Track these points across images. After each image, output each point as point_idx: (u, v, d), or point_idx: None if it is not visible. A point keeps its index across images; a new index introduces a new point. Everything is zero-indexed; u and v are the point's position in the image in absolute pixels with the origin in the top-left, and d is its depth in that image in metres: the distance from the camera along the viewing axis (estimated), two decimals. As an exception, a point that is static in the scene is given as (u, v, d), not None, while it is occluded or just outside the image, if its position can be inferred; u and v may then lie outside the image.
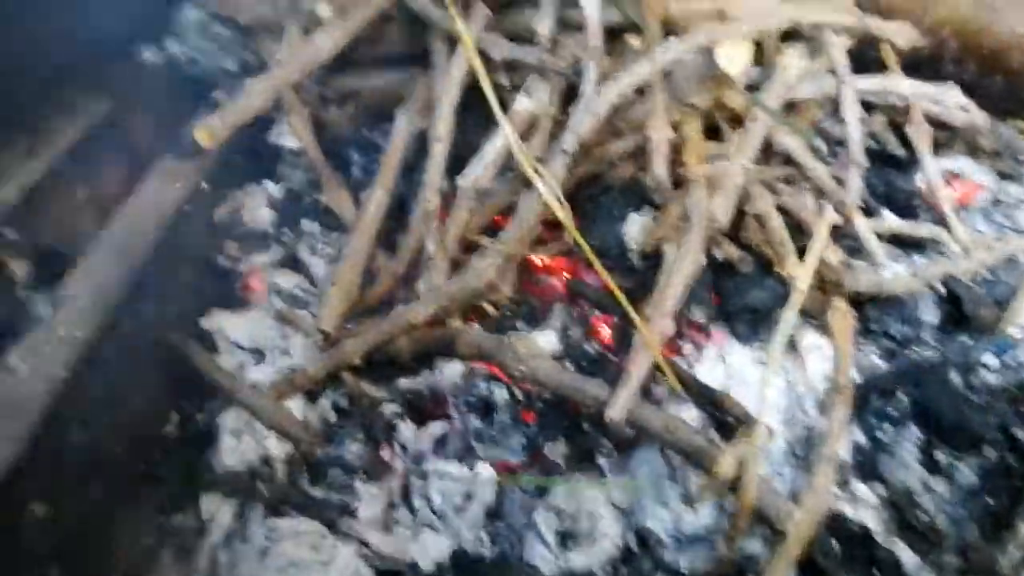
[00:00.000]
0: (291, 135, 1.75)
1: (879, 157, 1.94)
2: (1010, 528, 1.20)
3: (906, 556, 1.23)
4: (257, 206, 1.74)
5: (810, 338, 1.51)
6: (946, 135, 2.00)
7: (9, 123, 1.31)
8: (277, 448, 1.42)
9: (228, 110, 1.34)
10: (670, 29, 1.65)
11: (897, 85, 1.73)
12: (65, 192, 1.36)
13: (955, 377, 1.35)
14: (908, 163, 1.89)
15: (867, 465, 1.35)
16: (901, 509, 1.29)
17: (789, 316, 1.25)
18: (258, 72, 1.59)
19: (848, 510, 1.30)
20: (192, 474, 1.44)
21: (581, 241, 1.45)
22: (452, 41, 1.65)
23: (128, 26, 1.64)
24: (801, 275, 1.29)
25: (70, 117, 1.41)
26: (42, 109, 1.38)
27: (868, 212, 1.76)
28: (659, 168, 1.48)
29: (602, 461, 1.40)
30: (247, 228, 1.71)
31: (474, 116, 1.63)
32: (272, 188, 1.78)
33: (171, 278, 1.43)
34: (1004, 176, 1.96)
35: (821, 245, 1.36)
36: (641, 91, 1.55)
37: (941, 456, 1.30)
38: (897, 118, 1.92)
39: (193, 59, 1.75)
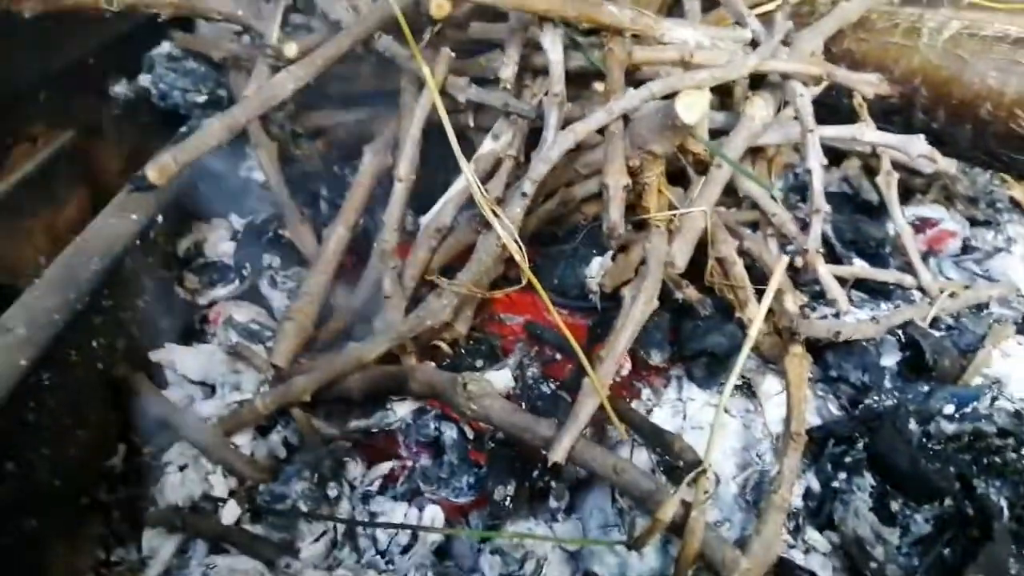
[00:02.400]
0: (258, 168, 1.76)
1: (852, 202, 1.95)
2: (960, 581, 1.17)
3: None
4: (220, 239, 1.74)
5: (769, 383, 1.49)
6: (923, 181, 2.01)
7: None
8: (221, 484, 1.40)
9: (182, 148, 1.35)
10: (634, 75, 1.66)
11: (863, 134, 1.73)
12: (16, 223, 1.35)
13: (913, 426, 1.33)
14: (881, 209, 1.89)
15: (820, 512, 1.32)
16: (852, 558, 1.26)
17: (740, 359, 1.23)
18: (228, 107, 1.60)
19: (799, 557, 1.27)
20: (136, 508, 1.41)
21: (535, 283, 1.44)
22: (421, 81, 1.66)
23: (98, 59, 1.64)
24: (753, 319, 1.27)
25: (30, 147, 1.41)
26: (3, 140, 1.38)
27: (836, 258, 1.76)
28: (614, 214, 1.47)
29: (552, 504, 1.37)
30: (208, 260, 1.71)
31: (442, 154, 1.64)
32: (236, 221, 1.78)
33: (121, 310, 1.42)
34: (978, 223, 1.96)
35: (775, 288, 1.35)
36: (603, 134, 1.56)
37: (895, 505, 1.27)
38: (871, 163, 1.92)
39: (164, 93, 1.76)
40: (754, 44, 1.74)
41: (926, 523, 1.26)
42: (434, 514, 1.37)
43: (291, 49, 1.63)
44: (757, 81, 1.74)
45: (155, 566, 1.34)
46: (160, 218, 1.49)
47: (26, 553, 1.22)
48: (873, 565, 1.25)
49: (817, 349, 1.49)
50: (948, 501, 1.26)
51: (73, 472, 1.32)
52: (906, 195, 1.94)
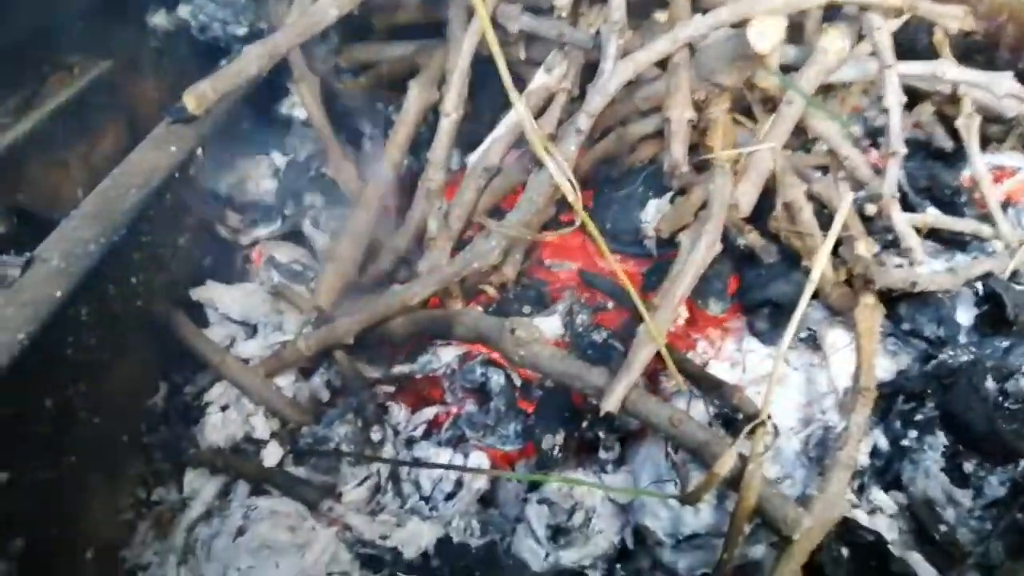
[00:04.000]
0: (301, 105, 1.70)
1: (924, 149, 1.83)
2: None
3: (923, 570, 1.12)
4: (262, 177, 1.69)
5: (836, 336, 1.41)
6: (999, 129, 1.88)
7: (1, 81, 1.27)
8: (263, 425, 1.37)
9: (220, 75, 1.29)
10: (699, 3, 1.56)
11: (946, 71, 1.61)
12: (52, 153, 1.31)
13: (990, 383, 1.24)
14: (955, 156, 1.77)
15: (887, 472, 1.25)
16: (921, 520, 1.19)
17: (802, 303, 1.15)
18: (270, 37, 1.54)
19: (863, 518, 1.20)
20: (178, 448, 1.39)
21: (591, 225, 1.36)
22: (470, 11, 1.57)
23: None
24: (816, 261, 1.18)
25: (66, 77, 1.37)
26: (37, 68, 1.33)
27: (909, 206, 1.65)
28: (676, 151, 1.39)
29: (602, 455, 1.32)
30: (250, 198, 1.66)
31: (491, 90, 1.56)
32: (279, 159, 1.73)
33: (160, 245, 1.38)
34: (1059, 174, 1.83)
35: (839, 227, 1.25)
36: (666, 69, 1.46)
37: (968, 466, 1.19)
38: (946, 109, 1.80)
39: (204, 25, 1.70)
40: (829, -28, 1.61)
41: (1001, 485, 1.19)
42: (479, 461, 1.32)
43: (335, -25, 1.55)
44: (831, 13, 1.63)
45: (196, 507, 1.32)
46: (200, 152, 1.44)
47: (66, 490, 1.20)
48: (943, 528, 1.18)
49: (889, 301, 1.40)
50: (1024, 464, 1.18)
51: (113, 410, 1.29)
52: (983, 143, 1.81)
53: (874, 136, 1.74)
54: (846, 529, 1.16)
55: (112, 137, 1.44)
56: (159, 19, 1.67)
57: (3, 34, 1.25)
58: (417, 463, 1.31)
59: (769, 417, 1.11)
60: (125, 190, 1.27)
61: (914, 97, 1.84)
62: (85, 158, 1.38)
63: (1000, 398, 1.24)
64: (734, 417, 1.25)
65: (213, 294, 1.49)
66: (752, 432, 1.11)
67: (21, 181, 1.27)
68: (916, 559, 1.15)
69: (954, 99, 1.72)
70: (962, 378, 1.27)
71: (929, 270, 1.42)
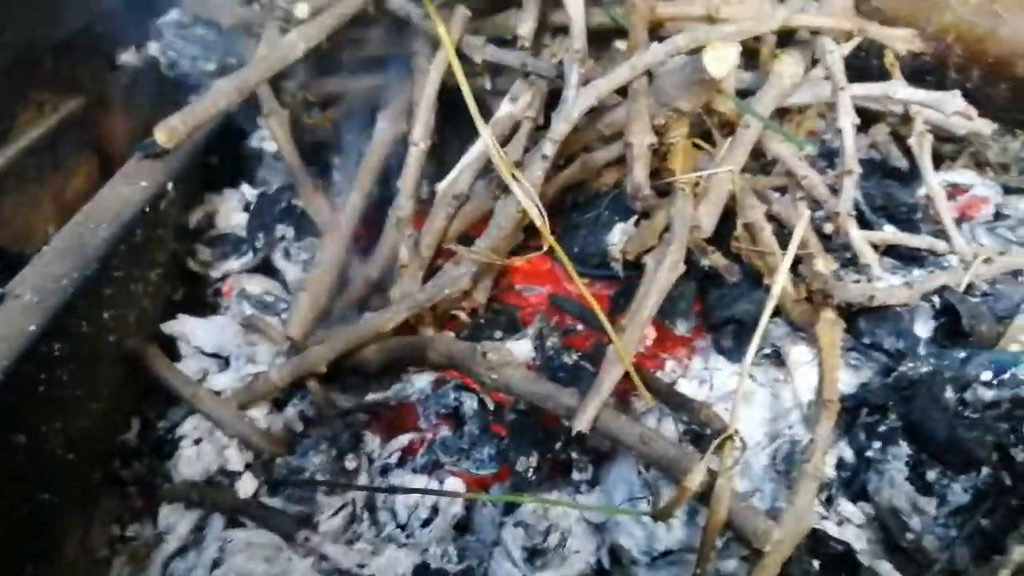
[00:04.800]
0: (271, 138, 1.72)
1: (880, 168, 1.89)
2: (1003, 551, 1.12)
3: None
4: (232, 210, 1.70)
5: (799, 351, 1.44)
6: (953, 148, 1.95)
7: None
8: (237, 458, 1.37)
9: (190, 110, 1.31)
10: (658, 32, 1.61)
11: (896, 91, 1.67)
12: (23, 191, 1.32)
13: (949, 393, 1.28)
14: (910, 175, 1.83)
15: (854, 483, 1.27)
16: (888, 529, 1.22)
17: (764, 317, 1.18)
18: (239, 73, 1.56)
19: (832, 529, 1.22)
20: (152, 483, 1.39)
21: (558, 249, 1.39)
22: (435, 43, 1.61)
23: (107, 27, 1.60)
24: (777, 278, 1.22)
25: (36, 115, 1.38)
26: (7, 106, 1.34)
27: (866, 224, 1.70)
28: (638, 175, 1.42)
29: (576, 476, 1.33)
30: (220, 232, 1.67)
31: (458, 120, 1.59)
32: (249, 192, 1.74)
33: (132, 280, 1.38)
34: (1011, 190, 1.89)
35: (797, 245, 1.29)
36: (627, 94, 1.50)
37: (932, 475, 1.22)
38: (900, 130, 1.86)
39: (173, 61, 1.72)
40: (782, -1, 1.68)
41: (964, 492, 1.21)
42: (454, 486, 1.33)
43: (302, 10, 1.59)
44: (785, 39, 1.69)
45: (171, 541, 1.32)
46: (170, 187, 1.45)
47: (39, 528, 1.20)
48: (910, 536, 1.20)
49: (849, 316, 1.44)
50: (986, 470, 1.21)
51: (86, 446, 1.29)
52: (936, 161, 1.87)
53: (830, 158, 1.79)
54: (816, 540, 1.19)
55: (83, 173, 1.45)
56: (128, 56, 1.69)
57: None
58: (392, 489, 1.31)
59: (736, 432, 1.13)
60: (96, 225, 1.28)
61: (869, 119, 1.90)
62: (56, 194, 1.39)
63: (960, 407, 1.28)
64: (703, 434, 1.27)
65: (185, 327, 1.50)
66: (720, 447, 1.13)
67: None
68: (885, 568, 1.18)
69: (907, 120, 1.78)
70: (922, 389, 1.30)
71: (886, 285, 1.47)
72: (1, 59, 1.33)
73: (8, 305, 1.13)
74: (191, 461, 1.37)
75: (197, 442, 1.39)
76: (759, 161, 1.66)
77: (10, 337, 1.09)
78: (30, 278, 1.18)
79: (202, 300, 1.61)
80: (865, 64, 1.83)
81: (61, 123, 1.44)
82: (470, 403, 1.37)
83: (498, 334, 1.51)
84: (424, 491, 1.32)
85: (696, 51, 1.41)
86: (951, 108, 1.64)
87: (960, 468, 1.22)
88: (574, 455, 1.34)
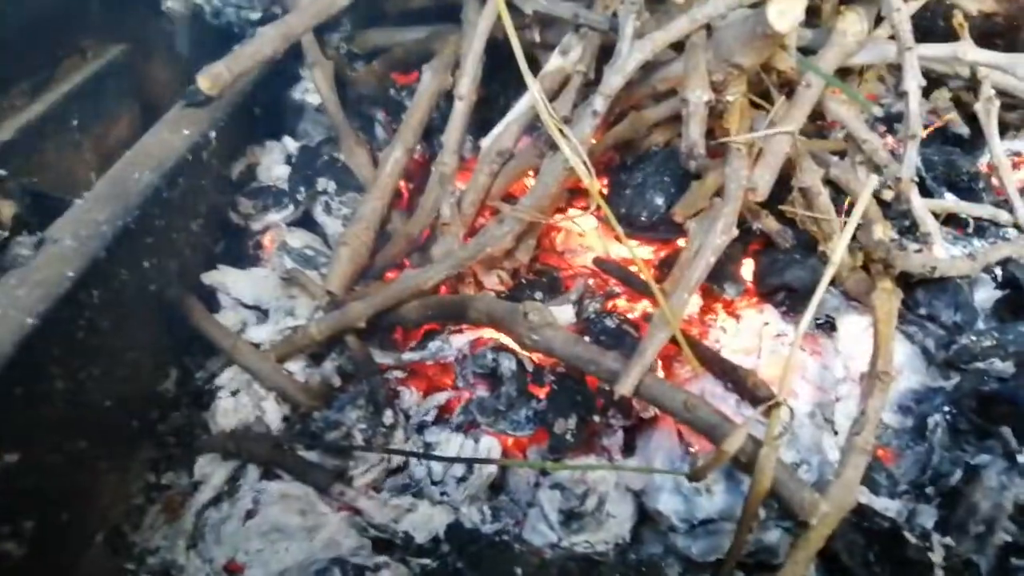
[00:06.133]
0: (315, 91, 1.69)
1: (942, 135, 1.81)
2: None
3: (939, 557, 1.10)
4: (274, 162, 1.68)
5: (853, 322, 1.39)
6: (1017, 116, 1.85)
7: (15, 63, 1.26)
8: (275, 410, 1.36)
9: (235, 56, 1.28)
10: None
11: (966, 52, 1.58)
12: (66, 136, 1.31)
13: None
14: (972, 143, 1.75)
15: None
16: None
17: (821, 287, 1.13)
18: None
19: (878, 504, 1.18)
20: (189, 433, 1.39)
21: (607, 209, 1.35)
22: (485, -6, 1.56)
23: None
24: (837, 246, 1.16)
25: (80, 61, 1.36)
26: (51, 51, 1.33)
27: (926, 191, 1.63)
28: (694, 132, 1.37)
29: (614, 440, 1.30)
30: (262, 184, 1.66)
31: (504, 74, 1.55)
32: (291, 145, 1.72)
33: (173, 229, 1.37)
34: (1076, 162, 1.81)
35: (862, 211, 1.23)
36: (682, 50, 1.45)
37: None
38: (962, 95, 1.78)
39: (218, 9, 1.69)
40: (847, -47, 1.59)
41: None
42: (491, 446, 1.31)
43: (350, -42, 1.55)
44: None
45: (206, 491, 1.31)
46: (213, 136, 1.43)
47: (75, 473, 1.20)
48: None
49: (905, 286, 1.38)
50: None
51: (124, 394, 1.29)
52: (1001, 129, 1.79)
53: (890, 123, 1.71)
54: (861, 515, 1.15)
55: (126, 120, 1.43)
56: (173, 3, 1.66)
57: (17, 17, 1.25)
58: (427, 455, 1.29)
59: (784, 400, 1.09)
60: (138, 173, 1.27)
61: (931, 83, 1.82)
62: (98, 141, 1.38)
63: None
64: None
65: (225, 279, 1.49)
66: (766, 415, 1.09)
67: (35, 163, 1.26)
68: (936, 543, 1.14)
69: (971, 85, 1.70)
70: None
71: (948, 255, 1.40)
72: (43, 4, 1.31)
73: (48, 250, 1.12)
74: (228, 412, 1.37)
75: (234, 393, 1.39)
76: (816, 123, 1.60)
77: (49, 282, 1.08)
78: (70, 224, 1.18)
79: (243, 252, 1.59)
80: (931, 24, 1.74)
81: (104, 69, 1.42)
82: (508, 364, 1.34)
83: (539, 295, 1.48)
84: (457, 459, 1.29)
85: (758, 4, 1.35)
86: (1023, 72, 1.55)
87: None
88: (612, 420, 1.30)
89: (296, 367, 1.42)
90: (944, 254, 1.40)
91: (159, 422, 1.39)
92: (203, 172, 1.44)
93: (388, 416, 1.34)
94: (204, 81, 1.28)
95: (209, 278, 1.48)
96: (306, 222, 1.65)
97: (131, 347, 1.31)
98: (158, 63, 1.57)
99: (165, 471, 1.35)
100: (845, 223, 1.35)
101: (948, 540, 1.13)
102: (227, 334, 1.41)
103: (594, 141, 1.47)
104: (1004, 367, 1.26)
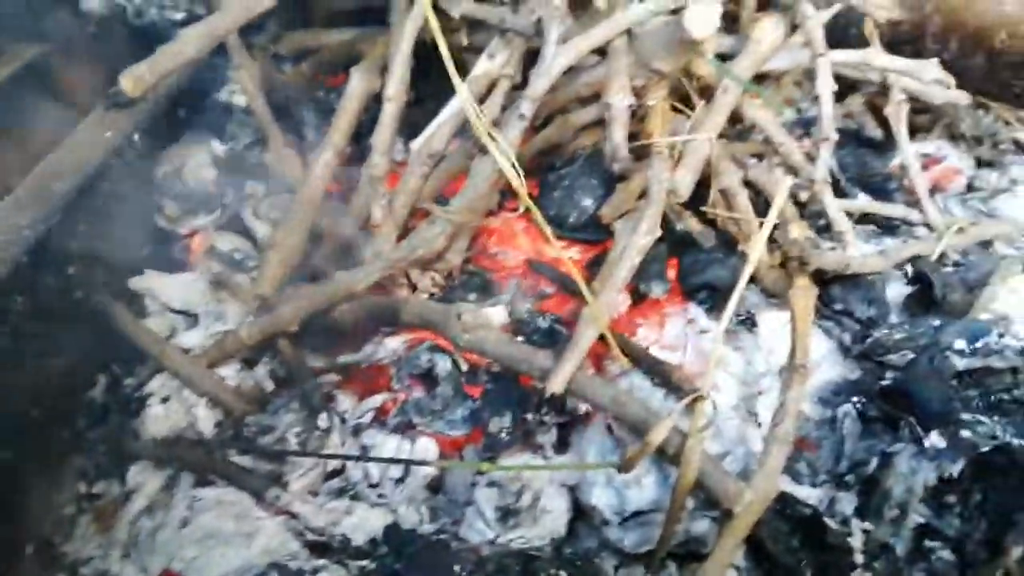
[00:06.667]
0: (242, 93, 1.67)
1: (855, 138, 1.89)
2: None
3: (858, 541, 1.16)
4: (201, 165, 1.65)
5: (772, 318, 1.45)
6: (926, 119, 1.95)
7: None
8: (207, 416, 1.35)
9: (157, 57, 1.26)
10: (638, -8, 1.58)
11: (875, 58, 1.66)
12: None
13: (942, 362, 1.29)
14: (884, 145, 1.84)
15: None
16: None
17: (740, 284, 1.18)
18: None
19: (800, 492, 1.23)
20: (120, 441, 1.36)
21: (535, 210, 1.37)
22: (412, -3, 1.57)
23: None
24: (754, 245, 1.22)
25: (-2, 63, 1.33)
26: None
27: (841, 192, 1.71)
28: (617, 136, 1.41)
29: (548, 438, 1.33)
30: (188, 187, 1.63)
31: (434, 77, 1.56)
32: (218, 147, 1.70)
33: (97, 233, 1.34)
34: (982, 163, 1.91)
35: (777, 212, 1.29)
36: (605, 55, 1.48)
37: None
38: (875, 99, 1.86)
39: (140, 10, 1.66)
40: (763, -37, 1.66)
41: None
42: (427, 447, 1.32)
43: (274, -42, 1.53)
44: (764, 3, 1.67)
45: (139, 499, 1.29)
46: (136, 138, 1.41)
47: (4, 485, 1.17)
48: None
49: (821, 283, 1.44)
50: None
51: (51, 403, 1.26)
52: (911, 132, 1.88)
53: (806, 127, 1.79)
54: (784, 503, 1.20)
55: (46, 123, 1.39)
56: (93, 3, 1.63)
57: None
58: (364, 458, 1.30)
59: (707, 393, 1.13)
60: (60, 176, 1.24)
61: (844, 89, 1.90)
62: (19, 145, 1.34)
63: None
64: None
65: (152, 284, 1.47)
66: (690, 408, 1.14)
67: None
68: (856, 528, 1.19)
69: (884, 90, 1.78)
70: (922, 357, 1.31)
71: (861, 253, 1.48)
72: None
73: (-32, 257, 1.09)
74: (159, 419, 1.35)
75: (165, 400, 1.37)
76: (735, 127, 1.66)
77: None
78: (-14, 231, 1.15)
79: (170, 256, 1.57)
80: (843, 33, 1.82)
81: (23, 71, 1.38)
82: (443, 364, 1.36)
83: (472, 296, 1.50)
84: (396, 460, 1.30)
85: (677, 11, 1.40)
86: (929, 76, 1.64)
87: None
88: (546, 418, 1.33)
89: (228, 372, 1.40)
90: (857, 252, 1.47)
91: (88, 430, 1.36)
92: (127, 175, 1.42)
93: (323, 419, 1.34)
94: (127, 82, 1.26)
95: (136, 283, 1.46)
96: (235, 225, 1.63)
97: (57, 354, 1.29)
98: (78, 65, 1.53)
99: (96, 480, 1.33)
100: (763, 223, 1.41)
101: (867, 525, 1.19)
102: (156, 340, 1.39)
103: (522, 144, 1.50)
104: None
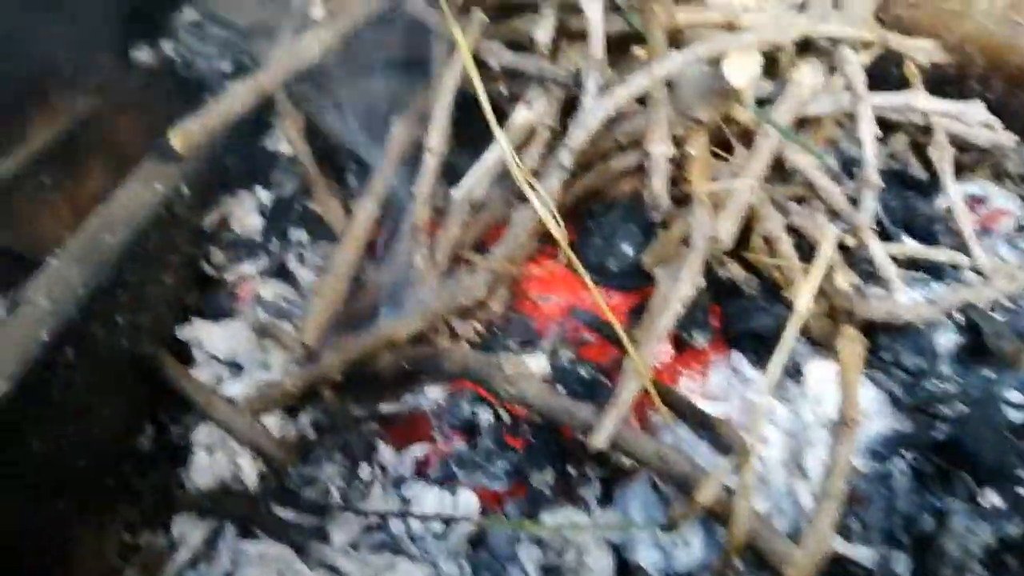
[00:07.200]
0: (286, 141, 1.70)
1: (899, 179, 1.86)
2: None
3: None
4: (246, 213, 1.68)
5: (818, 368, 1.42)
6: (971, 158, 1.92)
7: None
8: (250, 465, 1.36)
9: (207, 113, 1.30)
10: (677, 40, 1.58)
11: (917, 101, 1.65)
12: (37, 193, 1.31)
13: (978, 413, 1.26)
14: (929, 186, 1.81)
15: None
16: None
17: (788, 336, 1.16)
18: (254, 74, 1.54)
19: (853, 551, 1.21)
20: (167, 491, 1.38)
21: (574, 259, 1.38)
22: (452, 48, 1.59)
23: (121, 25, 1.59)
24: (802, 296, 1.20)
25: (49, 116, 1.36)
26: (19, 106, 1.33)
27: (885, 236, 1.68)
28: (657, 186, 1.41)
29: (591, 492, 1.32)
30: (235, 235, 1.66)
31: (474, 125, 1.58)
32: (263, 195, 1.73)
33: (146, 285, 1.37)
34: (1031, 203, 1.87)
35: (824, 264, 1.28)
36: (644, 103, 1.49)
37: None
38: (919, 139, 1.84)
39: (188, 61, 1.71)
40: (802, 6, 1.66)
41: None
42: (468, 500, 1.32)
43: (317, 11, 1.57)
44: (804, 47, 1.66)
45: (183, 552, 1.30)
46: (185, 189, 1.44)
47: (51, 535, 1.19)
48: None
49: (869, 332, 1.42)
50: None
51: (99, 452, 1.28)
52: (957, 172, 1.85)
53: (848, 166, 1.77)
54: (837, 563, 1.17)
55: (97, 176, 1.43)
56: (143, 55, 1.67)
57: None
58: (406, 514, 1.30)
59: (755, 449, 1.12)
60: (110, 230, 1.27)
61: (888, 128, 1.88)
62: (70, 197, 1.38)
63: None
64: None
65: (199, 333, 1.49)
66: (739, 464, 1.12)
67: (6, 221, 1.26)
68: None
69: (927, 130, 1.76)
70: (975, 410, 1.28)
71: (910, 301, 1.45)
72: (11, 62, 1.31)
73: (22, 311, 1.11)
74: (203, 469, 1.36)
75: (210, 449, 1.38)
76: (777, 171, 1.64)
77: (24, 344, 1.08)
78: (44, 284, 1.17)
79: (217, 304, 1.59)
80: (884, 72, 1.80)
81: (74, 124, 1.42)
82: (485, 416, 1.36)
83: (512, 344, 1.49)
84: (434, 518, 1.30)
85: (716, 60, 1.40)
86: (975, 118, 1.62)
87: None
88: (589, 471, 1.32)
89: (271, 421, 1.41)
90: (906, 300, 1.44)
91: (135, 479, 1.38)
92: (176, 226, 1.45)
93: (365, 471, 1.34)
94: (176, 139, 1.29)
95: (183, 332, 1.48)
96: (280, 273, 1.65)
97: (106, 404, 1.30)
98: (128, 116, 1.57)
99: (141, 531, 1.34)
100: (807, 270, 1.40)
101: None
102: (202, 389, 1.41)
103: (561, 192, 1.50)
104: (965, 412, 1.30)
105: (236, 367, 1.49)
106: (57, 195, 1.36)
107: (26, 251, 1.28)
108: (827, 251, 1.29)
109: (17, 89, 1.32)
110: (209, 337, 1.49)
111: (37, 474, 1.14)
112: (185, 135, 1.31)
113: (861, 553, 1.20)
